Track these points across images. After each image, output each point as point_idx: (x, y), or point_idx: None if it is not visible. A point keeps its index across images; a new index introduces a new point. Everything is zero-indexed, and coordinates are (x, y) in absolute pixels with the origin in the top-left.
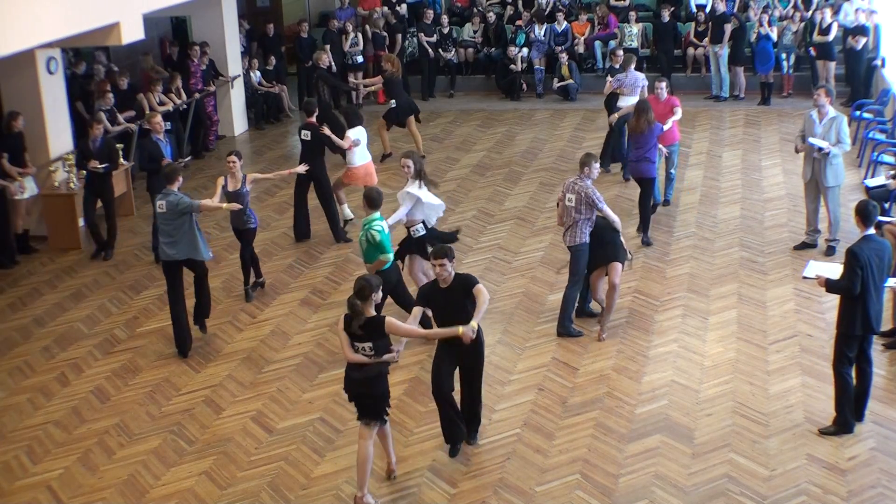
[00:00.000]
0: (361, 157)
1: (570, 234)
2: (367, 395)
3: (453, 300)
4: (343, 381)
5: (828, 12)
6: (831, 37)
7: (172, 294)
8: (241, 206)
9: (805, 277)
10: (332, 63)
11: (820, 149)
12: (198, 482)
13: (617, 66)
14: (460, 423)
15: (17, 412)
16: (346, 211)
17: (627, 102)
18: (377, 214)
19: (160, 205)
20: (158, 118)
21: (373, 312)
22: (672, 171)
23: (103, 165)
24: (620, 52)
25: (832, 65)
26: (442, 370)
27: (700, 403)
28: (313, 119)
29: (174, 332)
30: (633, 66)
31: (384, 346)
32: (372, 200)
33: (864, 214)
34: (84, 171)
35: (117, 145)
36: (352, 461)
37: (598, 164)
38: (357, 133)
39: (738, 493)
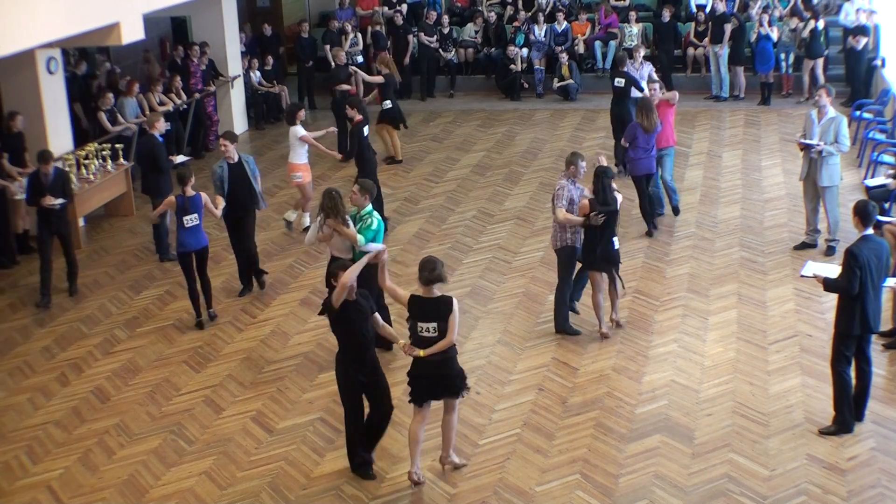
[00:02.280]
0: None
1: (552, 237)
2: (447, 375)
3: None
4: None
5: (808, 15)
6: (806, 31)
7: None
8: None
9: (803, 276)
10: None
11: (809, 146)
12: (198, 482)
13: (636, 68)
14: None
15: (17, 412)
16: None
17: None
18: (369, 207)
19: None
20: (161, 121)
21: (436, 293)
22: (668, 177)
23: (59, 201)
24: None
25: (819, 61)
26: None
27: (700, 403)
28: None
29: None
30: (640, 55)
31: (445, 328)
32: (370, 191)
33: (863, 214)
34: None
35: (117, 145)
36: None
37: (584, 163)
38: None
39: (738, 493)
